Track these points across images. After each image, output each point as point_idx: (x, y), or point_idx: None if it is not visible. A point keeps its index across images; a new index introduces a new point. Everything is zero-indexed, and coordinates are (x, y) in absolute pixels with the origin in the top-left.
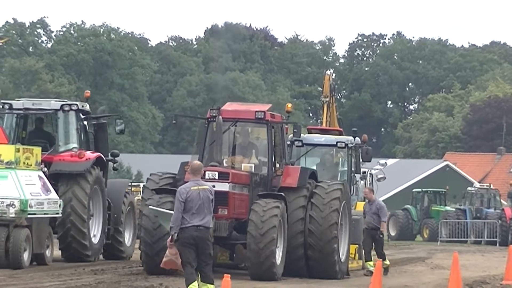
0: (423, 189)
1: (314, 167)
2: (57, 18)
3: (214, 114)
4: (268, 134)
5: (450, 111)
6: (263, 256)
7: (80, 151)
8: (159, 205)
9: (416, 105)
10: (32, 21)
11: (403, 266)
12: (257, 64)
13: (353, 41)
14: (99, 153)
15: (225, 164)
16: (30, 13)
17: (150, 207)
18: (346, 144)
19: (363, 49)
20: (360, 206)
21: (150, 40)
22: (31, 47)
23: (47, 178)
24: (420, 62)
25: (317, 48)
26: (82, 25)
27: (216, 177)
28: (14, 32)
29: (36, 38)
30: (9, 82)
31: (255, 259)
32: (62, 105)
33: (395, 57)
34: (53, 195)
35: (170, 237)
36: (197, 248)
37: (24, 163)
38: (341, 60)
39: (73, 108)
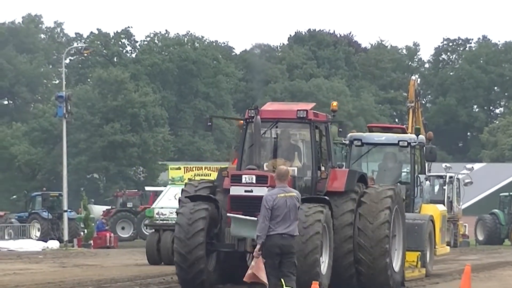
0: (511, 193)
1: (376, 168)
2: (141, 28)
3: (252, 115)
4: (312, 134)
5: None
6: (306, 265)
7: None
8: (192, 213)
9: (502, 109)
10: (117, 31)
11: (492, 270)
12: (342, 70)
13: (439, 46)
14: None
15: (265, 168)
16: (114, 23)
17: (230, 215)
18: (409, 143)
19: (448, 54)
20: (426, 209)
21: (234, 48)
22: (115, 57)
23: None
24: (506, 65)
25: (402, 53)
26: (166, 35)
27: (254, 181)
28: (98, 42)
29: (120, 48)
30: (97, 93)
31: (298, 268)
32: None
33: (480, 61)
34: None
35: (258, 246)
36: (281, 256)
37: None
38: (426, 65)
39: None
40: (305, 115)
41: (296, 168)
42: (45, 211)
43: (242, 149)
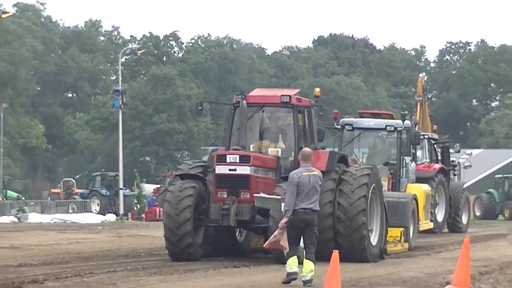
0: (504, 175)
1: (366, 151)
2: (187, 31)
3: (239, 100)
4: (294, 118)
5: None
6: None
7: (429, 164)
8: (181, 190)
9: (497, 103)
10: (166, 34)
11: (487, 241)
12: (359, 68)
13: (443, 48)
14: (443, 166)
15: (251, 149)
16: (164, 27)
17: (255, 194)
18: (395, 128)
19: (451, 55)
20: (411, 188)
21: (266, 49)
22: (164, 57)
23: None
24: (501, 65)
25: (411, 54)
26: (209, 37)
27: (238, 161)
28: (150, 43)
29: (169, 49)
30: (150, 88)
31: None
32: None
33: (479, 61)
34: None
35: (285, 219)
36: (304, 229)
37: None
38: (432, 65)
39: (425, 136)
40: (288, 100)
41: (280, 149)
42: (103, 189)
43: (230, 131)
